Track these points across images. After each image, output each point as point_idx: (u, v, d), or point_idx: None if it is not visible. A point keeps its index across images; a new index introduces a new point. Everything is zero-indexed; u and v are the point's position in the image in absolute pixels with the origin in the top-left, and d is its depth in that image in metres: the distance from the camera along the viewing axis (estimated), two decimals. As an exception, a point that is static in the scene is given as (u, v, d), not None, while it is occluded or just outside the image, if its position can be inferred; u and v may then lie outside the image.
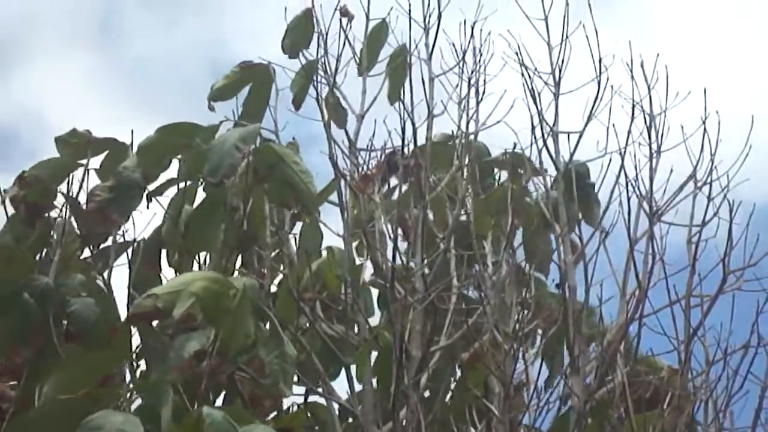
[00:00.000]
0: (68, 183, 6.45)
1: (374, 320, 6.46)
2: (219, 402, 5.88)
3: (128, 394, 5.26)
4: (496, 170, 7.15)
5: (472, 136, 6.88)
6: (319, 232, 6.65)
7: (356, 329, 6.24)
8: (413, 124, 6.30)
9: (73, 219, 6.41)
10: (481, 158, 7.05)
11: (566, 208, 6.26)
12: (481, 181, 6.93)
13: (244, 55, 6.99)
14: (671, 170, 6.16)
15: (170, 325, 5.43)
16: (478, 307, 6.00)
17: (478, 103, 6.82)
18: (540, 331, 6.22)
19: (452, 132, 6.97)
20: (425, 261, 6.23)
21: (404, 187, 6.79)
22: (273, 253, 6.49)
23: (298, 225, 6.70)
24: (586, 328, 5.82)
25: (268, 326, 5.90)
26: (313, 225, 6.58)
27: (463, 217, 6.51)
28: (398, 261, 6.02)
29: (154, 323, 5.64)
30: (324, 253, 6.53)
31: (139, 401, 5.07)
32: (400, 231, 6.43)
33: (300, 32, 7.43)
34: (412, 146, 6.41)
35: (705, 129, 6.13)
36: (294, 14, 7.44)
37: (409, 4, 6.98)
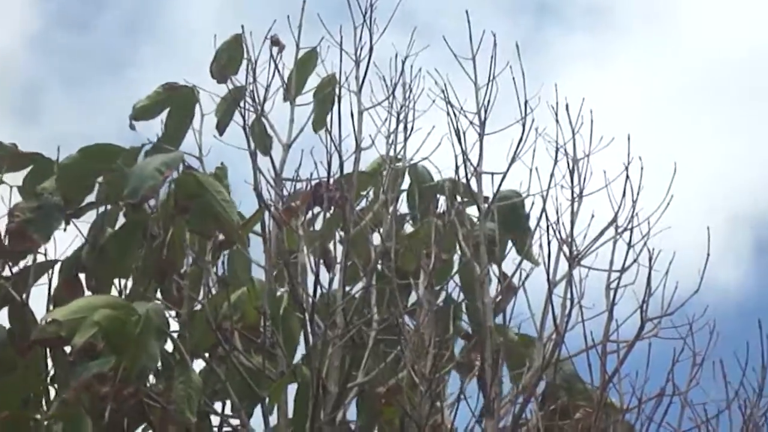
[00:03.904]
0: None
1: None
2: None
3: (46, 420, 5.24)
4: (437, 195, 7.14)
5: (399, 166, 6.88)
6: (247, 262, 6.60)
7: (275, 362, 6.21)
8: (340, 156, 6.28)
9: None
10: (422, 182, 7.04)
11: (492, 245, 6.28)
12: (421, 206, 6.92)
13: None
14: (592, 215, 6.18)
15: (73, 352, 5.41)
16: (401, 340, 5.98)
17: (406, 139, 6.82)
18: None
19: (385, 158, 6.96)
20: (347, 295, 6.21)
21: (328, 218, 6.75)
22: (191, 282, 6.43)
23: (222, 253, 6.64)
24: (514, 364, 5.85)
25: (176, 352, 5.90)
26: (239, 255, 6.53)
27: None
28: (319, 294, 6.00)
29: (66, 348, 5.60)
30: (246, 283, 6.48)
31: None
32: (322, 263, 6.39)
33: (229, 57, 7.39)
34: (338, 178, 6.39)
35: (627, 175, 6.16)
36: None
37: (341, 36, 6.98)
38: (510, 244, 6.79)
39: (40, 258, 6.39)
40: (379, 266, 6.34)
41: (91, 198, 6.55)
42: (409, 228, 6.96)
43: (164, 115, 7.14)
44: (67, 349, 5.51)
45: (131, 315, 5.45)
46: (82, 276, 6.47)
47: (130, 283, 6.44)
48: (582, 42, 12.75)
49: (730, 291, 9.46)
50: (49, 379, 5.98)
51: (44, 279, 6.43)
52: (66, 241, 6.46)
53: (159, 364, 5.66)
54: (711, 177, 10.54)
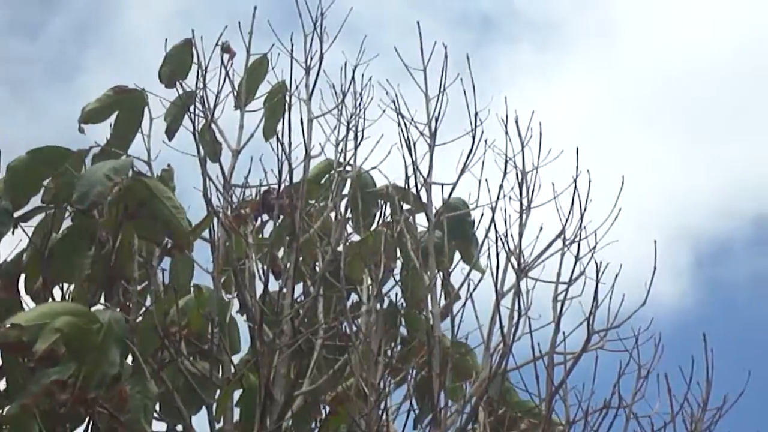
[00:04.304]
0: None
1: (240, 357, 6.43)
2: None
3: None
4: (379, 201, 7.14)
5: (348, 174, 6.89)
6: (191, 268, 6.57)
7: (220, 368, 6.19)
8: (290, 163, 6.28)
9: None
10: (366, 188, 7.05)
11: (440, 254, 6.30)
12: (364, 213, 6.93)
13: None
14: (541, 227, 6.24)
15: (33, 357, 5.38)
16: (348, 347, 5.99)
17: (355, 147, 6.83)
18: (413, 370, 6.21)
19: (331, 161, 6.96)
20: (295, 304, 6.21)
21: (277, 225, 6.74)
22: (139, 287, 6.41)
23: (167, 259, 6.62)
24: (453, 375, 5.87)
25: (131, 361, 5.87)
26: (184, 260, 6.51)
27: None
28: (267, 302, 6.00)
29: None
30: (192, 289, 6.46)
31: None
32: (270, 270, 6.39)
33: (178, 62, 7.35)
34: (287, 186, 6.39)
35: (576, 188, 6.20)
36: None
37: (291, 44, 6.98)
38: (457, 254, 6.81)
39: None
40: (327, 274, 6.33)
41: (37, 201, 6.51)
42: (352, 232, 6.95)
43: (113, 118, 7.10)
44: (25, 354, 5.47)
45: (93, 322, 5.41)
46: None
47: (72, 288, 6.44)
48: (527, 56, 12.87)
49: (669, 306, 9.59)
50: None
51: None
52: (4, 242, 6.42)
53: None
54: (653, 192, 10.68)
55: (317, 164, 7.02)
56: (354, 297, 6.47)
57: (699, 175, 12.86)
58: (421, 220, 6.65)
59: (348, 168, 6.86)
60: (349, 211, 6.85)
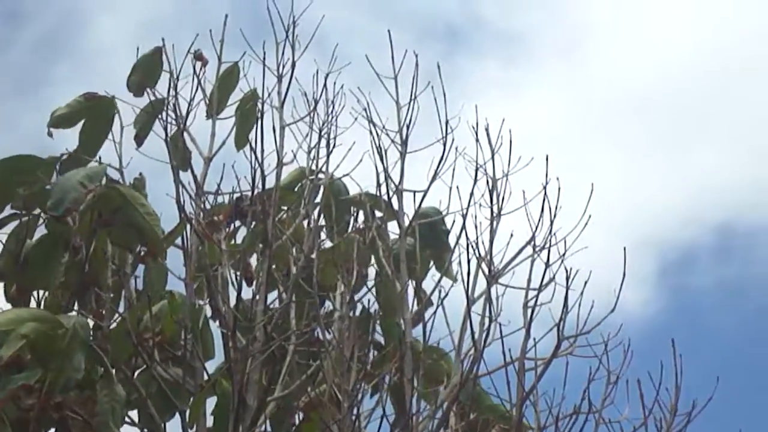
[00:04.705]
0: None
1: (213, 363, 6.47)
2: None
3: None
4: (352, 209, 7.19)
5: (320, 182, 6.94)
6: (164, 274, 6.60)
7: (194, 374, 6.23)
8: (262, 171, 6.32)
9: None
10: (338, 196, 7.09)
11: (412, 261, 6.35)
12: (337, 220, 6.98)
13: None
14: (511, 234, 6.31)
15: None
16: (321, 353, 6.03)
17: (328, 155, 6.89)
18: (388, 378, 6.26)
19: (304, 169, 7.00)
20: (268, 310, 6.24)
21: (250, 232, 6.78)
22: (113, 294, 6.44)
23: (140, 266, 6.64)
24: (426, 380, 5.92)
25: (101, 366, 5.90)
26: (158, 267, 6.53)
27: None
28: (240, 308, 6.04)
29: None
30: (165, 296, 6.48)
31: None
32: (243, 277, 6.42)
33: (147, 70, 7.36)
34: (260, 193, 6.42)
35: (545, 195, 6.25)
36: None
37: (264, 51, 7.01)
38: (430, 261, 6.87)
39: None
40: (300, 280, 6.37)
41: (11, 209, 6.52)
42: (325, 240, 7.00)
43: (80, 125, 7.11)
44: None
45: (58, 328, 5.46)
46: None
47: (46, 294, 6.46)
48: (494, 69, 12.96)
49: (635, 313, 9.68)
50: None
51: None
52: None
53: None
54: (618, 200, 10.78)
55: (290, 172, 7.07)
56: (328, 304, 6.50)
57: (663, 183, 12.99)
58: (393, 228, 6.70)
59: (321, 175, 6.90)
60: (322, 218, 6.90)
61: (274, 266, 6.38)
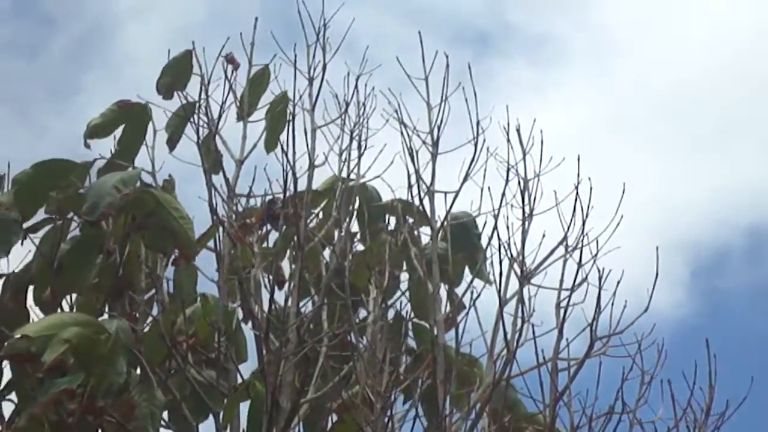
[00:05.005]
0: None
1: (247, 367, 6.49)
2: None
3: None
4: (385, 215, 7.20)
5: (352, 186, 6.94)
6: (197, 277, 6.63)
7: (227, 377, 6.25)
8: (294, 173, 6.32)
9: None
10: (371, 202, 7.10)
11: (444, 264, 6.35)
12: (370, 226, 6.99)
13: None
14: (543, 234, 6.29)
15: (41, 368, 5.44)
16: (354, 355, 6.04)
17: (359, 156, 6.89)
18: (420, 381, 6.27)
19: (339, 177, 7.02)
20: (300, 313, 6.26)
21: (282, 235, 6.79)
22: (146, 297, 6.47)
23: (172, 269, 6.68)
24: (458, 386, 5.91)
25: (138, 370, 5.93)
26: (190, 270, 6.56)
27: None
28: (273, 311, 6.06)
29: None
30: (198, 299, 6.51)
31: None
32: (275, 280, 6.45)
33: (177, 73, 7.39)
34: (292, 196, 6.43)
35: (577, 195, 6.25)
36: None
37: (294, 54, 7.01)
38: (464, 266, 6.85)
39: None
40: (332, 283, 6.38)
41: (45, 213, 6.57)
42: (359, 246, 7.02)
43: (117, 131, 7.15)
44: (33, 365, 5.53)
45: (100, 333, 5.49)
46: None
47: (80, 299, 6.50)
48: (523, 72, 12.95)
49: (667, 316, 9.65)
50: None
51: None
52: (11, 253, 6.48)
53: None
54: (649, 203, 10.76)
55: (325, 180, 7.08)
56: (360, 310, 6.51)
57: (695, 185, 12.94)
58: (425, 231, 6.70)
59: (352, 177, 6.90)
60: (354, 223, 6.91)
61: (306, 269, 6.38)
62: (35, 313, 6.46)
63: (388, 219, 7.13)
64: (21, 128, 13.32)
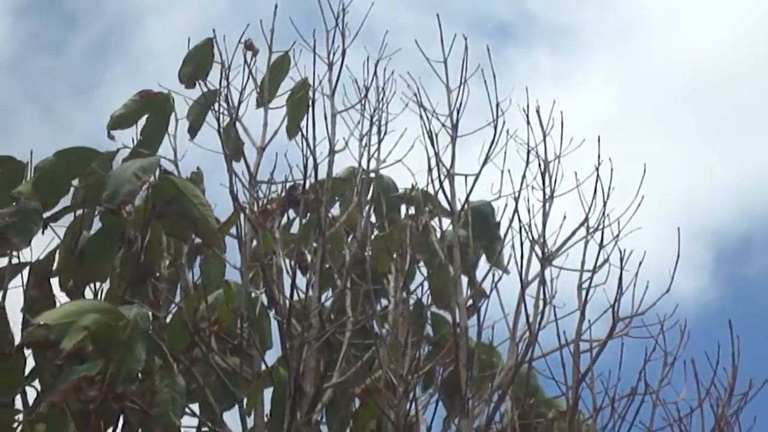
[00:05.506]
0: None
1: (271, 355, 6.51)
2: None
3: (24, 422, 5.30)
4: (402, 205, 7.20)
5: (372, 174, 6.94)
6: (219, 264, 6.65)
7: (251, 363, 6.27)
8: (315, 159, 6.32)
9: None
10: (388, 192, 7.10)
11: (465, 250, 6.34)
12: (387, 216, 6.98)
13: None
14: (564, 216, 6.29)
15: (61, 355, 5.46)
16: (376, 341, 6.05)
17: (379, 141, 6.88)
18: (440, 369, 6.27)
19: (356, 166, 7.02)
20: (323, 298, 6.27)
21: (303, 222, 6.80)
22: (168, 285, 6.49)
23: (195, 256, 6.69)
24: (478, 371, 5.91)
25: (160, 357, 5.96)
26: (212, 257, 6.58)
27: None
28: (296, 297, 6.07)
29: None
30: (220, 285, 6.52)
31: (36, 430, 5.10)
32: (298, 266, 6.46)
33: (198, 62, 7.41)
34: (313, 181, 6.44)
35: (598, 176, 6.25)
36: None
37: (314, 40, 7.03)
38: (480, 252, 6.84)
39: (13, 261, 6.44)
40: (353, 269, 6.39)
41: (65, 201, 6.60)
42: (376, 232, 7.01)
43: (140, 122, 7.17)
44: (53, 352, 5.55)
45: (119, 319, 5.51)
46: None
47: (105, 286, 6.52)
48: (543, 60, 12.92)
49: (691, 301, 9.60)
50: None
51: (17, 282, 6.49)
52: (36, 242, 6.51)
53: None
54: (673, 190, 10.71)
55: (344, 169, 7.08)
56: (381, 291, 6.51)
57: (718, 172, 12.87)
58: (445, 217, 6.68)
59: (372, 163, 6.89)
60: (372, 214, 6.91)
61: (328, 255, 6.39)
62: (61, 301, 6.49)
63: (407, 208, 7.13)
64: (45, 123, 13.42)
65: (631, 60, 13.65)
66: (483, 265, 6.74)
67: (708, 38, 13.58)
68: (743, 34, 13.58)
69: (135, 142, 7.01)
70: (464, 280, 6.36)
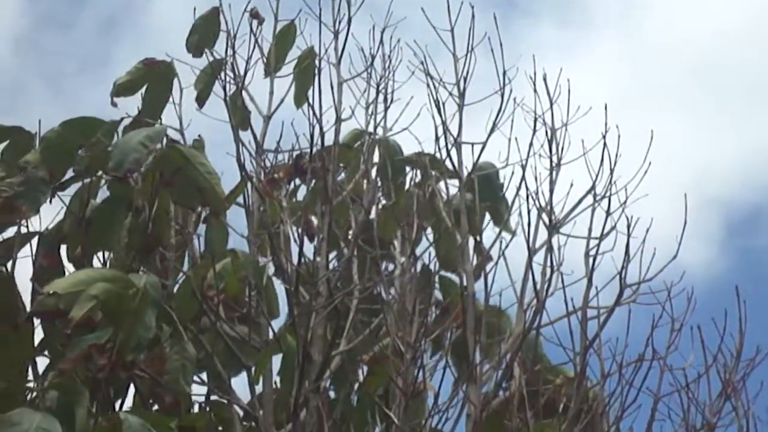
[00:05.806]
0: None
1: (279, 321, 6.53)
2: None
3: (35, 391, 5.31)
4: (408, 169, 7.20)
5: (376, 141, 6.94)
6: (225, 233, 6.66)
7: (259, 331, 6.28)
8: (321, 127, 6.31)
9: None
10: (393, 156, 7.11)
11: (472, 214, 6.35)
12: (393, 180, 6.99)
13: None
14: (571, 183, 6.29)
15: (70, 324, 5.46)
16: (384, 307, 6.06)
17: (385, 109, 6.90)
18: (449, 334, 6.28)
19: (362, 130, 7.03)
20: (330, 265, 6.28)
21: (310, 189, 6.81)
22: (176, 254, 6.50)
23: (203, 225, 6.70)
24: (486, 337, 5.92)
25: (169, 325, 5.97)
26: (220, 226, 6.59)
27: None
28: (303, 264, 6.08)
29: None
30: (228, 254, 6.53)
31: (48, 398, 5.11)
32: (305, 234, 6.47)
33: (205, 31, 7.42)
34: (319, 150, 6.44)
35: (605, 143, 6.23)
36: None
37: (320, 8, 7.01)
38: (486, 215, 6.86)
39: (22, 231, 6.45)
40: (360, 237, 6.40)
41: (73, 171, 6.60)
42: (383, 200, 7.02)
43: (142, 90, 7.18)
44: (62, 321, 5.56)
45: (128, 288, 5.51)
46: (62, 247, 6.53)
47: (112, 255, 6.53)
48: (550, 33, 12.87)
49: (699, 273, 9.59)
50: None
51: (26, 251, 6.50)
52: (44, 212, 6.52)
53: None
54: (682, 161, 10.70)
55: (348, 132, 7.09)
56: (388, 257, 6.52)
57: (727, 144, 12.84)
58: (451, 184, 6.69)
59: (379, 131, 6.90)
60: (378, 179, 6.91)
61: (334, 222, 6.40)
62: (69, 270, 6.50)
63: (414, 173, 7.13)
64: (55, 100, 13.45)
65: (639, 33, 13.61)
66: (490, 232, 6.76)
67: (718, 12, 13.53)
68: (755, 8, 13.53)
69: (139, 109, 7.02)
70: (471, 244, 6.37)
